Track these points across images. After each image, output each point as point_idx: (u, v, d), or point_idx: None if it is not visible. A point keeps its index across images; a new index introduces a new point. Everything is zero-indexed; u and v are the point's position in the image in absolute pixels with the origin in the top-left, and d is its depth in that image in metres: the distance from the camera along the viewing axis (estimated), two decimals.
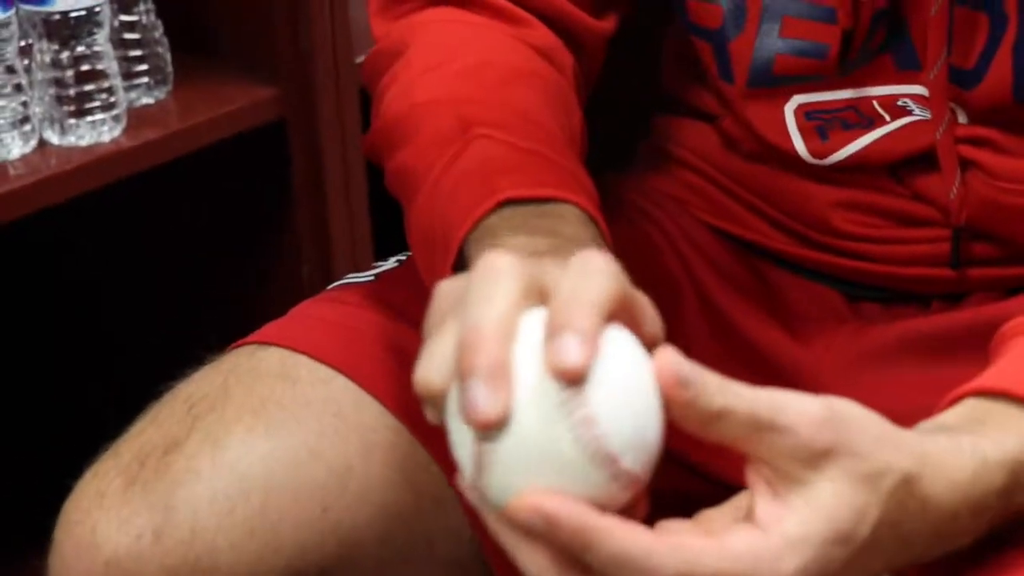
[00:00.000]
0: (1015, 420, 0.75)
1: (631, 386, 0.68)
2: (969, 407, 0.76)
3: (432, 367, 0.70)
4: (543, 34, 0.97)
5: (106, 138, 1.39)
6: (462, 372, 0.67)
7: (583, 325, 0.66)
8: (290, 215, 1.52)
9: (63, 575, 0.90)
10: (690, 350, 1.00)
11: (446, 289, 0.74)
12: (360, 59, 1.50)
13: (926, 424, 0.75)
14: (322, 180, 1.50)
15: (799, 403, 0.69)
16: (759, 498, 0.70)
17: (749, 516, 0.70)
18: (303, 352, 0.94)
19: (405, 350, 0.94)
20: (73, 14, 1.36)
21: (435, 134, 0.88)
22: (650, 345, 0.70)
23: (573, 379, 0.66)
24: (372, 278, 1.01)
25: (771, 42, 0.96)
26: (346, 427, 0.92)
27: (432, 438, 0.93)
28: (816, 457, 0.68)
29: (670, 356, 0.68)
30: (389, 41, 0.97)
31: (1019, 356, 0.78)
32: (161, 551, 0.88)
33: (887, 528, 0.70)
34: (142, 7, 1.45)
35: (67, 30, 1.37)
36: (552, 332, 0.66)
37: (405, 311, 0.95)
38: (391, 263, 1.02)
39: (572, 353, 0.66)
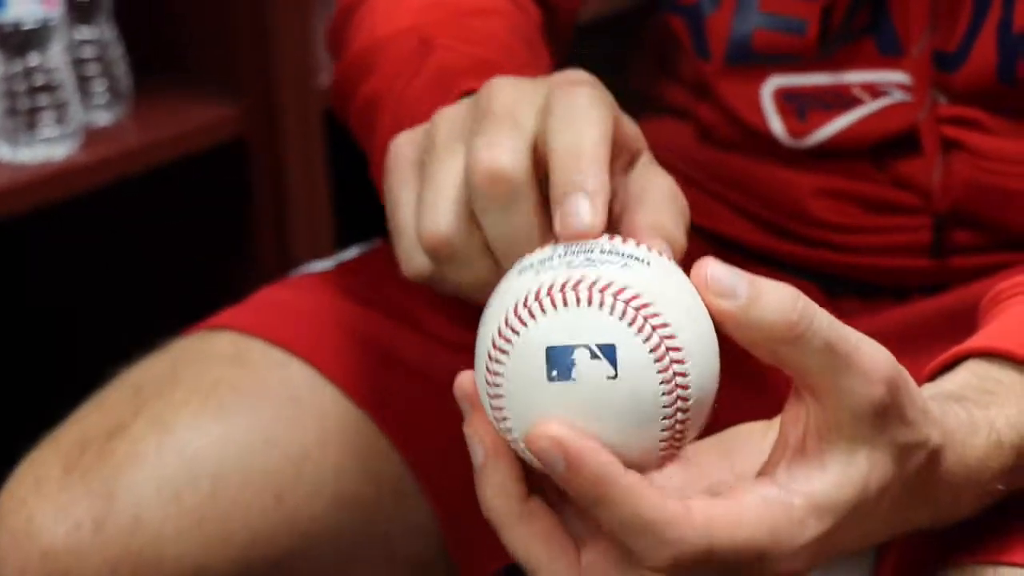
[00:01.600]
0: (1018, 386, 0.71)
1: (695, 317, 0.62)
2: (972, 372, 0.72)
3: (437, 213, 0.66)
4: None
5: (59, 154, 1.36)
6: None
7: (590, 185, 0.63)
8: (251, 235, 1.49)
9: None
10: None
11: (405, 139, 0.70)
12: (324, 79, 1.48)
13: (930, 388, 0.71)
14: (283, 201, 1.47)
15: (872, 347, 0.63)
16: (787, 451, 0.64)
17: (774, 461, 0.64)
18: (257, 335, 0.90)
19: (366, 335, 0.91)
20: (26, 26, 1.33)
21: (397, 58, 0.85)
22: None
23: (585, 237, 0.62)
24: (332, 266, 0.97)
25: (749, 16, 0.93)
26: (302, 413, 0.88)
27: (395, 426, 0.89)
28: (876, 415, 0.63)
29: (706, 265, 0.62)
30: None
31: (1019, 316, 0.74)
32: (102, 541, 0.84)
33: (899, 498, 0.66)
34: (102, 24, 1.42)
35: (20, 42, 1.34)
36: (557, 194, 0.63)
37: (366, 297, 0.92)
38: (352, 251, 0.98)
39: (583, 212, 0.62)
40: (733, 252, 1.00)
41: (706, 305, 0.62)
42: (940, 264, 0.94)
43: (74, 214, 1.44)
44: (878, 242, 0.95)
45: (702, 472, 0.66)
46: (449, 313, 0.92)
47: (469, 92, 0.76)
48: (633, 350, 0.60)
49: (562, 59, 0.99)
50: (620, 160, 0.68)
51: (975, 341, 0.73)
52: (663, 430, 0.61)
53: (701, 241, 1.01)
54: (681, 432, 0.62)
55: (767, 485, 0.63)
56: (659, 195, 0.69)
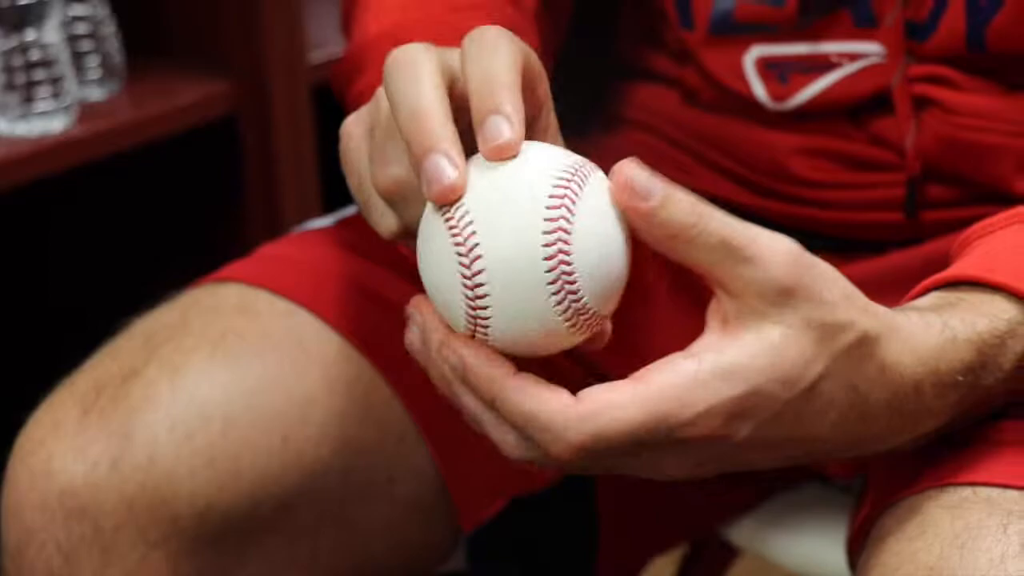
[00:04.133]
0: (987, 303, 0.75)
1: (599, 220, 0.68)
2: (939, 295, 0.76)
3: (385, 163, 0.72)
4: None
5: (56, 128, 1.38)
6: (418, 154, 0.67)
7: (507, 108, 0.67)
8: (241, 209, 1.51)
9: (16, 507, 0.88)
10: (650, 305, 1.01)
11: (352, 120, 0.77)
12: (314, 57, 1.51)
13: (898, 307, 0.75)
14: (274, 176, 1.50)
15: (770, 237, 0.69)
16: (706, 333, 0.69)
17: (687, 352, 0.69)
18: (263, 287, 0.93)
19: (367, 286, 0.94)
20: (22, 1, 1.36)
21: (376, 62, 0.87)
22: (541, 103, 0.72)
23: (507, 153, 0.67)
24: (332, 222, 1.00)
25: None
26: (307, 359, 0.91)
27: (396, 373, 0.92)
28: (780, 294, 0.68)
29: (627, 167, 0.68)
30: None
31: (987, 250, 0.79)
32: (119, 479, 0.86)
33: (838, 383, 0.70)
34: (95, 1, 1.44)
35: (16, 18, 1.36)
36: (479, 118, 0.67)
37: (366, 250, 0.95)
38: (352, 209, 1.01)
39: (504, 130, 0.67)
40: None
41: (620, 204, 0.68)
42: (914, 219, 0.97)
43: (69, 189, 1.47)
44: (855, 198, 0.98)
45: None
46: None
47: None
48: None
49: (563, 31, 1.02)
50: (531, 92, 0.72)
51: (944, 273, 0.77)
52: (554, 294, 0.67)
53: None
54: (578, 302, 0.67)
55: (680, 357, 0.69)
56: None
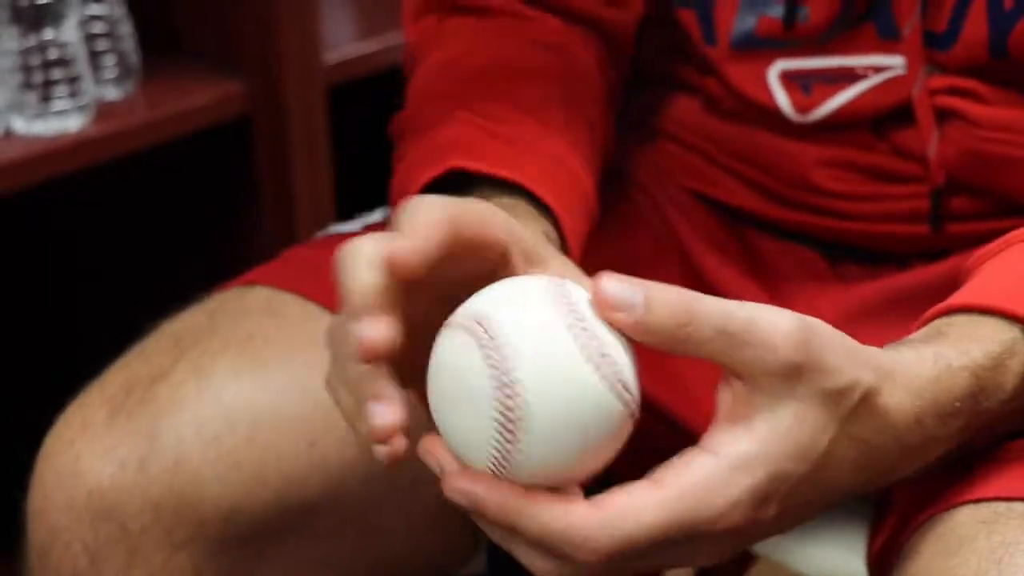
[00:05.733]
0: (978, 328, 0.76)
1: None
2: (933, 325, 0.77)
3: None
4: (555, 28, 0.99)
5: (72, 127, 1.39)
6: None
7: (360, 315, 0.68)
8: (255, 209, 1.51)
9: (43, 506, 0.88)
10: None
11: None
12: (329, 57, 1.51)
13: (891, 344, 0.75)
14: (288, 176, 1.50)
15: (771, 316, 0.69)
16: (719, 424, 0.69)
17: (710, 432, 0.69)
18: (290, 291, 0.93)
19: None
20: (40, 1, 1.36)
21: (430, 127, 0.91)
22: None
23: (369, 357, 0.68)
24: (359, 228, 1.01)
25: (754, 4, 0.96)
26: None
27: (421, 381, 0.92)
28: (789, 371, 0.68)
29: (604, 282, 0.68)
30: (413, 45, 1.01)
31: (981, 277, 0.79)
32: (145, 481, 0.87)
33: (848, 442, 0.70)
34: (111, 1, 1.45)
35: (34, 17, 1.37)
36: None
37: None
38: (377, 215, 1.02)
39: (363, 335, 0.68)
40: (738, 221, 1.04)
41: (605, 320, 0.68)
42: (938, 231, 0.98)
43: (84, 189, 1.47)
44: (879, 210, 0.98)
45: None
46: None
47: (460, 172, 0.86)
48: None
49: (626, 75, 1.04)
50: (474, 253, 0.72)
51: (939, 305, 0.78)
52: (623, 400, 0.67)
53: (709, 211, 1.05)
54: (620, 375, 0.67)
55: (696, 452, 0.68)
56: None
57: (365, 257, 0.68)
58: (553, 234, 0.85)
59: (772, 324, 0.68)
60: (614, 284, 0.67)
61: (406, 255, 0.68)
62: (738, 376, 0.69)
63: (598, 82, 0.99)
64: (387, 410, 0.69)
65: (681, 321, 0.67)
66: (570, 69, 0.98)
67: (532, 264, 0.73)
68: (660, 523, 0.67)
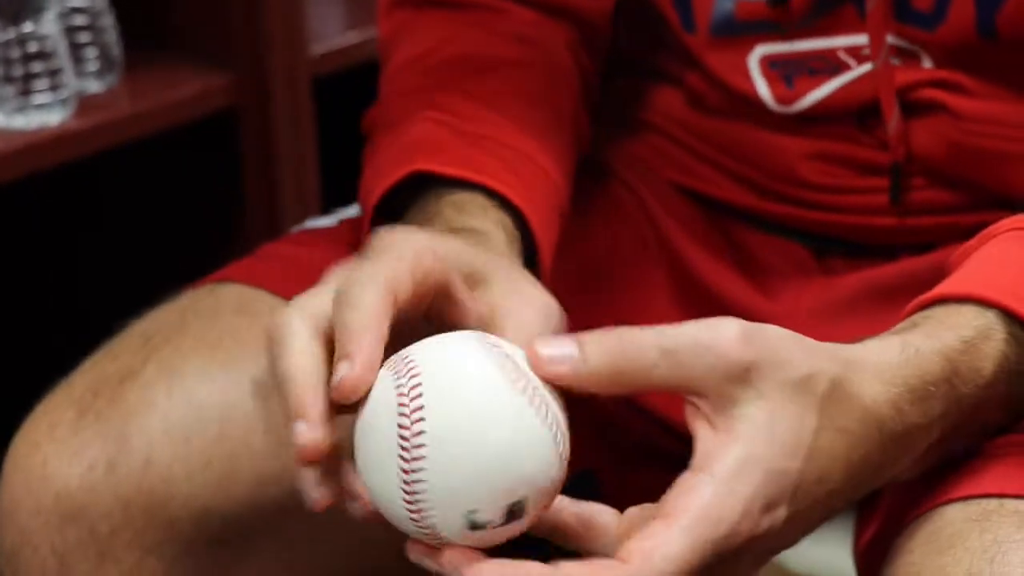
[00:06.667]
0: (954, 316, 0.75)
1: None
2: (909, 319, 0.77)
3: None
4: (528, 20, 0.99)
5: (53, 121, 1.38)
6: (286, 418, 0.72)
7: (351, 350, 0.69)
8: (241, 202, 1.51)
9: (11, 510, 0.87)
10: (659, 310, 1.00)
11: None
12: (315, 49, 1.50)
13: (856, 340, 0.75)
14: (274, 169, 1.49)
15: (712, 325, 0.69)
16: (700, 441, 0.69)
17: (696, 468, 0.69)
18: (262, 287, 0.92)
19: None
20: None
21: (398, 123, 0.92)
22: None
23: (347, 396, 0.69)
24: (335, 222, 0.99)
25: None
26: None
27: None
28: (744, 371, 0.68)
29: (535, 341, 0.69)
30: (387, 38, 1.02)
31: (961, 270, 0.79)
32: (114, 482, 0.86)
33: (832, 433, 0.70)
34: None
35: (13, 9, 1.36)
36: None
37: None
38: (352, 210, 1.00)
39: (344, 378, 0.69)
40: (723, 214, 1.03)
41: (544, 378, 0.68)
42: (899, 205, 0.97)
43: (68, 182, 1.46)
44: (865, 203, 0.97)
45: None
46: None
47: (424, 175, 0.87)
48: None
49: (603, 61, 1.03)
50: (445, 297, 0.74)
51: (915, 301, 0.78)
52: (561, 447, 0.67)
53: (693, 205, 1.04)
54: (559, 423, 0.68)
55: (691, 476, 0.69)
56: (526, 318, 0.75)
57: (298, 344, 0.72)
58: (510, 224, 0.85)
59: (715, 332, 0.69)
60: (543, 342, 0.68)
61: (363, 357, 0.70)
62: (698, 395, 0.69)
63: (572, 73, 0.98)
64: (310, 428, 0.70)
65: (619, 352, 0.68)
66: (543, 61, 0.97)
67: (475, 285, 0.75)
68: (687, 549, 0.67)
